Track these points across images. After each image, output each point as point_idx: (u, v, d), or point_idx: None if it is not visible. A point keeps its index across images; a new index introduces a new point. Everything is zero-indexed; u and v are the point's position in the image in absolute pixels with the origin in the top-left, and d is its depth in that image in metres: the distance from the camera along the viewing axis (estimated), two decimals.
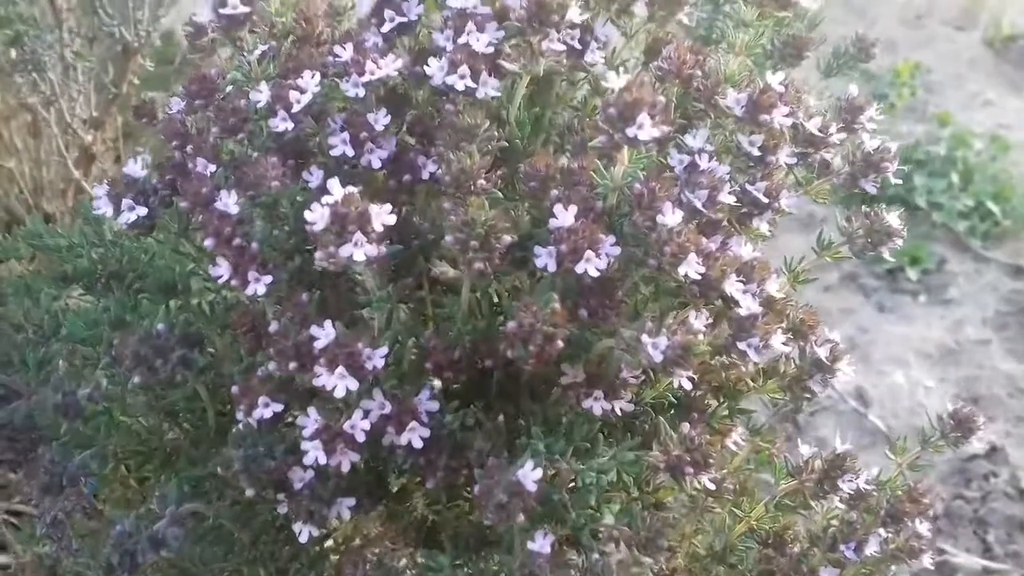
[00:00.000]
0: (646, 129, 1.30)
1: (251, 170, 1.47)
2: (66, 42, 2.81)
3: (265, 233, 1.52)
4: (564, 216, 1.36)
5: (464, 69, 1.51)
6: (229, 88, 1.62)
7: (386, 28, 1.65)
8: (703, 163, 1.49)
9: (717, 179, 1.47)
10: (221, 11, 1.52)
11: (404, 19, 1.65)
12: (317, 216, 1.29)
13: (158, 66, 2.82)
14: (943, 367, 3.97)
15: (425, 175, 1.58)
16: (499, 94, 1.54)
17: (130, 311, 1.62)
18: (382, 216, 1.30)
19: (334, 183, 1.34)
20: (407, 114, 1.66)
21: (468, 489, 1.55)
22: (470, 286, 1.46)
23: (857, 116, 1.71)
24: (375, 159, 1.56)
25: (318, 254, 1.33)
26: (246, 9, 1.52)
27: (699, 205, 1.44)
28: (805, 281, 1.76)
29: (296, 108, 1.49)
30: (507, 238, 1.33)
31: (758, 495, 1.86)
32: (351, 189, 1.33)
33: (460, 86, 1.51)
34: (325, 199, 1.31)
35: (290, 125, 1.50)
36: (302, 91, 1.50)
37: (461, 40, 1.59)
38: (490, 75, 1.54)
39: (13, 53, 2.70)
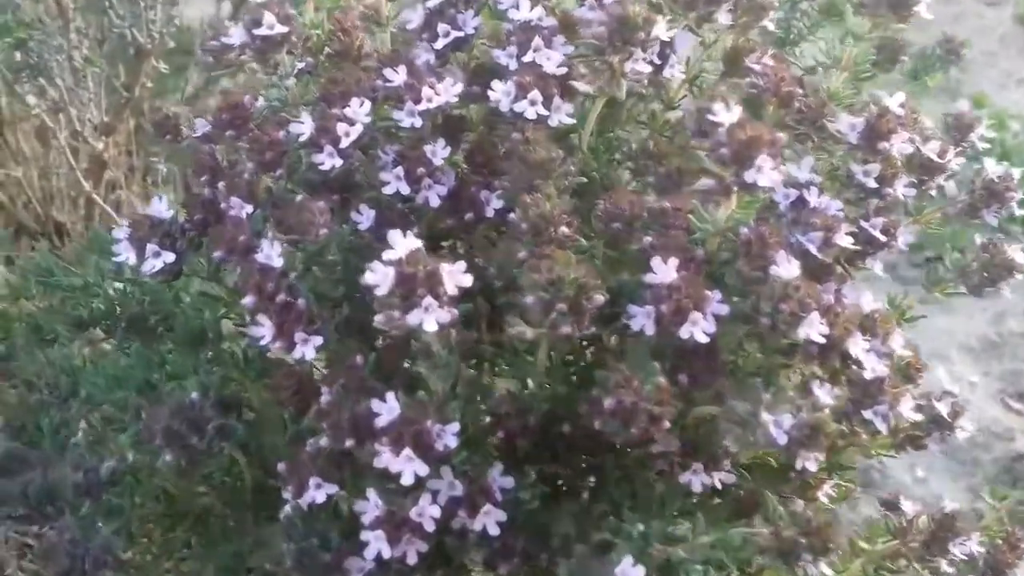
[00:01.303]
0: (766, 173, 1.10)
1: (295, 214, 1.28)
2: (74, 43, 2.61)
3: (310, 284, 1.33)
4: (664, 271, 1.17)
5: (535, 94, 1.31)
6: (263, 113, 1.43)
7: (440, 44, 1.45)
8: (813, 198, 1.30)
9: (832, 218, 1.27)
10: (256, 32, 1.32)
11: (460, 34, 1.45)
12: (380, 278, 1.10)
13: (173, 70, 2.62)
14: (986, 361, 3.78)
15: (489, 212, 1.39)
16: (573, 120, 1.35)
17: (156, 368, 1.43)
18: (456, 277, 1.11)
19: (396, 237, 1.14)
20: (463, 140, 1.46)
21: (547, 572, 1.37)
22: (548, 346, 1.27)
23: (967, 135, 1.51)
24: (433, 196, 1.36)
25: (379, 319, 1.13)
26: (284, 29, 1.32)
27: (813, 249, 1.25)
28: (912, 320, 1.56)
29: (345, 143, 1.29)
30: (599, 298, 1.14)
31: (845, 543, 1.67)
32: (415, 243, 1.13)
33: (531, 114, 1.31)
34: (387, 256, 1.12)
35: (338, 162, 1.30)
36: (351, 122, 1.30)
37: (527, 58, 1.39)
38: (562, 99, 1.34)
39: (18, 55, 2.50)
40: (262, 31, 1.31)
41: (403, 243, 1.13)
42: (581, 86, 1.35)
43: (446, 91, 1.33)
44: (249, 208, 1.35)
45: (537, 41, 1.40)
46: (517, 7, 1.44)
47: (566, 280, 1.12)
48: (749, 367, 1.32)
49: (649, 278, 1.17)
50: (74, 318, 1.62)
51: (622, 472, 1.34)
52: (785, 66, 1.45)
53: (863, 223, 1.36)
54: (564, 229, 1.20)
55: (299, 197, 1.33)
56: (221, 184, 1.38)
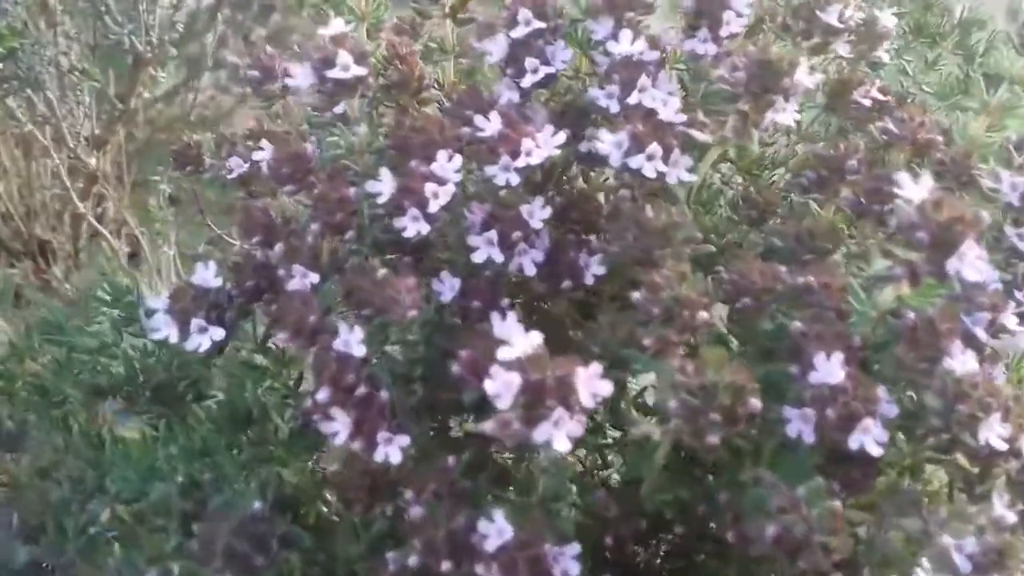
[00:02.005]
0: (970, 263, 0.92)
1: (377, 291, 1.08)
2: (63, 49, 2.37)
3: (386, 367, 1.14)
4: (828, 368, 0.99)
5: (654, 148, 1.12)
6: (325, 161, 1.23)
7: (528, 82, 1.25)
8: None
9: (997, 295, 1.10)
10: (328, 74, 1.11)
11: (550, 69, 1.26)
12: (501, 387, 0.91)
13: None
14: None
15: (589, 279, 1.20)
16: (694, 178, 1.16)
17: (197, 456, 1.23)
18: (593, 384, 0.92)
19: (514, 331, 0.95)
20: (550, 193, 1.27)
21: None
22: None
23: None
24: (528, 263, 1.17)
25: (491, 427, 0.94)
26: (361, 71, 1.11)
27: (981, 334, 1.08)
28: None
29: (433, 206, 1.09)
30: (756, 403, 0.96)
31: None
32: (536, 338, 0.94)
33: (649, 171, 1.12)
34: (505, 355, 0.93)
35: (424, 228, 1.10)
36: (440, 181, 1.10)
37: (632, 100, 1.20)
38: (682, 151, 1.16)
39: (1, 65, 2.26)
40: (335, 73, 1.11)
41: (523, 339, 0.94)
42: (701, 136, 1.17)
43: (546, 143, 1.14)
44: (314, 278, 1.15)
45: (644, 80, 1.21)
46: (616, 39, 1.25)
47: (720, 386, 0.94)
48: (892, 461, 1.14)
49: (813, 377, 0.99)
50: (90, 385, 1.41)
51: None
52: (921, 110, 1.27)
53: (1016, 292, 1.18)
54: (703, 315, 1.02)
55: (377, 267, 1.12)
56: (279, 246, 1.17)
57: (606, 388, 0.92)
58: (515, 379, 0.91)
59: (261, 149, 1.33)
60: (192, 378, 1.40)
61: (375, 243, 1.22)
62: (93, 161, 2.44)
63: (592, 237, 1.25)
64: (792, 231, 1.20)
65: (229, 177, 1.45)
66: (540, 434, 0.91)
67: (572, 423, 0.92)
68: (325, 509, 1.32)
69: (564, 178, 1.38)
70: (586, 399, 0.91)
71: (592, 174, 1.39)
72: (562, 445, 0.90)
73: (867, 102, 1.44)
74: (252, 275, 1.21)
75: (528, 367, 0.92)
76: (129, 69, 2.37)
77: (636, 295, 1.05)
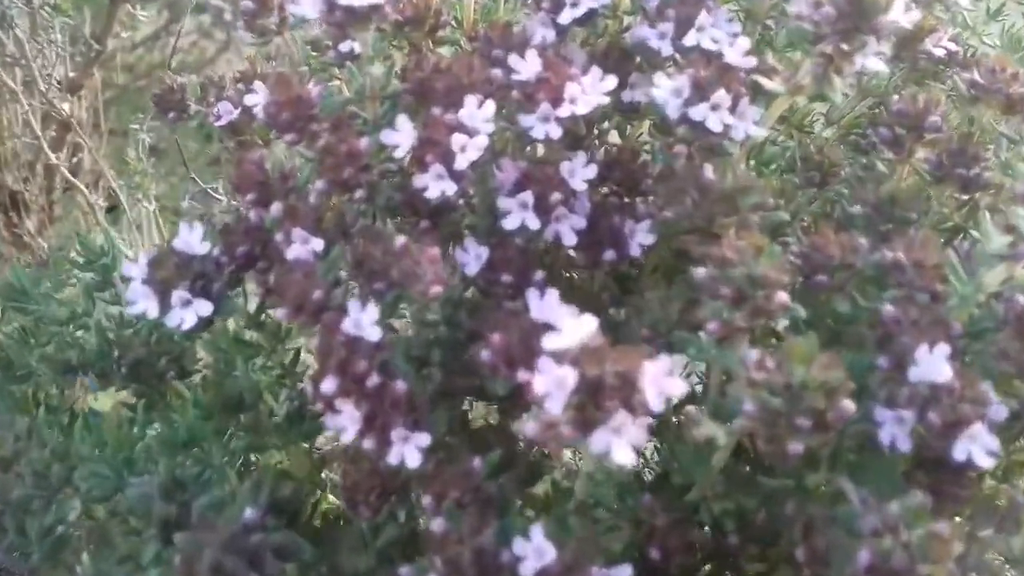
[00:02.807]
0: None
1: (394, 261, 0.92)
2: None
3: (402, 349, 0.98)
4: (931, 363, 0.83)
5: (720, 96, 0.95)
6: (332, 107, 1.05)
7: (567, 17, 1.08)
8: None
9: None
10: (340, 2, 0.93)
11: (592, 3, 1.08)
12: (550, 384, 0.75)
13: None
14: None
15: (634, 249, 1.04)
16: (763, 132, 0.99)
17: (180, 448, 1.07)
18: (661, 382, 0.76)
19: (560, 314, 0.79)
20: (591, 150, 1.10)
21: None
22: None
23: None
24: (567, 230, 1.01)
25: (533, 429, 0.78)
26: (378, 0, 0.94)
27: None
28: None
29: (461, 162, 0.92)
30: (849, 405, 0.80)
31: None
32: (590, 324, 0.78)
33: (715, 124, 0.95)
34: (554, 345, 0.76)
35: (450, 187, 0.93)
36: (469, 132, 0.93)
37: (689, 40, 1.03)
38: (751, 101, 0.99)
39: None
40: (348, 0, 0.93)
41: (574, 324, 0.78)
42: (771, 84, 1.00)
43: (594, 88, 0.97)
44: (318, 244, 0.98)
45: (703, 17, 1.04)
46: None
47: (810, 385, 0.78)
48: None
49: (913, 373, 0.83)
50: (59, 360, 1.24)
51: None
52: (1010, 60, 1.10)
53: None
54: (782, 297, 0.85)
55: (392, 233, 0.95)
56: (276, 206, 1.00)
57: (678, 387, 0.76)
58: (568, 376, 0.74)
59: (254, 92, 1.16)
60: (174, 353, 1.24)
61: (388, 204, 1.05)
62: (67, 107, 2.25)
63: (637, 200, 1.08)
64: (871, 197, 1.04)
65: (217, 124, 1.28)
66: (597, 442, 0.75)
67: (635, 429, 0.76)
68: (328, 506, 1.17)
69: (597, 131, 1.22)
70: (653, 400, 0.75)
71: (629, 127, 1.23)
72: (624, 456, 0.75)
73: (940, 52, 1.27)
74: (244, 239, 1.04)
75: (583, 360, 0.76)
76: (107, 6, 2.16)
77: (700, 271, 0.88)
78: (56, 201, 2.61)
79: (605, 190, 1.08)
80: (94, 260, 1.35)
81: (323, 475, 1.34)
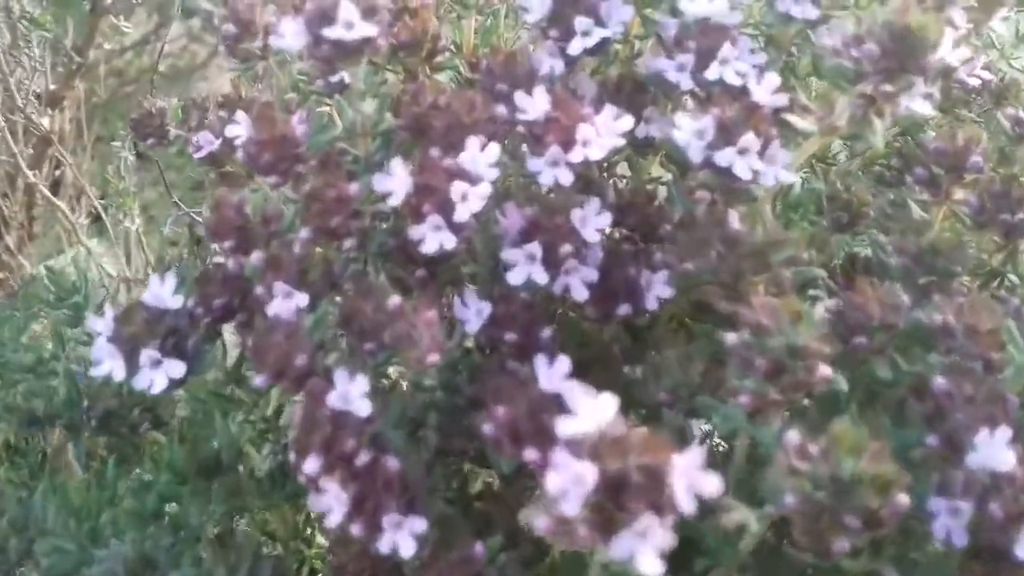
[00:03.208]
0: None
1: (386, 321, 0.82)
2: None
3: (394, 415, 0.88)
4: (992, 449, 0.74)
5: (749, 139, 0.86)
6: (319, 145, 0.96)
7: (577, 47, 0.98)
8: None
9: None
10: (326, 33, 0.83)
11: (605, 32, 0.99)
12: (568, 483, 0.65)
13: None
14: None
15: (651, 303, 0.95)
16: (795, 178, 0.90)
17: (152, 519, 0.97)
18: (693, 476, 0.66)
19: (575, 391, 0.69)
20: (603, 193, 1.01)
21: None
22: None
23: None
24: (578, 284, 0.91)
25: (545, 526, 0.69)
26: (369, 31, 0.84)
27: None
28: None
29: (461, 212, 0.83)
30: (903, 500, 0.71)
31: None
32: (609, 405, 0.68)
33: (743, 170, 0.86)
34: (569, 431, 0.67)
35: (448, 240, 0.84)
36: (471, 179, 0.84)
37: (711, 74, 0.94)
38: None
39: None
40: (335, 32, 0.83)
41: (591, 408, 0.68)
42: (803, 124, 0.91)
43: (607, 130, 0.88)
44: (302, 299, 0.88)
45: (727, 49, 0.94)
46: None
47: (861, 479, 0.69)
48: None
49: (971, 460, 0.74)
50: (24, 412, 1.15)
51: None
52: None
53: None
54: (825, 371, 0.76)
55: (385, 287, 0.86)
56: (256, 255, 0.91)
57: (711, 484, 0.66)
58: (588, 473, 0.65)
59: (236, 122, 1.07)
60: (148, 403, 1.15)
61: (381, 250, 0.95)
62: (46, 122, 2.14)
63: (653, 246, 0.99)
64: (910, 247, 0.95)
65: (196, 156, 1.19)
66: (619, 548, 0.66)
67: (663, 532, 0.66)
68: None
69: (607, 163, 1.13)
70: (684, 499, 0.66)
71: (641, 162, 1.14)
72: (651, 567, 0.65)
73: (975, 80, 1.19)
74: (222, 290, 0.95)
75: (604, 452, 0.66)
76: (87, 17, 2.07)
77: (730, 338, 0.79)
78: (37, 218, 2.51)
79: (618, 234, 0.99)
80: (65, 297, 1.26)
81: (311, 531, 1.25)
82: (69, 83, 2.24)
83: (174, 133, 1.39)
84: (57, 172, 2.53)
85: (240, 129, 1.02)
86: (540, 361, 0.80)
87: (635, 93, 1.02)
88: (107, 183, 2.22)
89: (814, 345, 0.76)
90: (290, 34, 0.86)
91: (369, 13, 0.83)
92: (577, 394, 0.70)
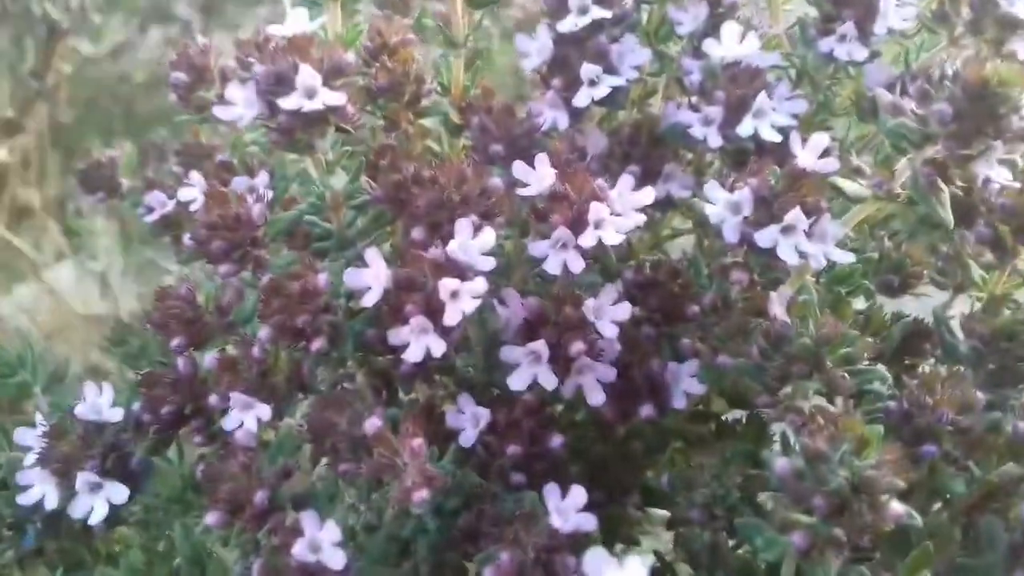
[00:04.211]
0: None
1: (362, 447, 0.68)
2: None
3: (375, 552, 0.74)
4: None
5: (796, 216, 0.71)
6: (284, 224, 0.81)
7: (583, 98, 0.84)
8: None
9: None
10: (283, 104, 0.69)
11: (617, 81, 0.84)
12: None
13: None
14: None
15: (679, 400, 0.80)
16: (851, 258, 0.76)
17: None
18: None
19: (609, 565, 0.55)
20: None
21: None
22: None
23: None
24: (592, 387, 0.77)
25: None
26: (335, 100, 0.69)
27: None
28: None
29: (451, 315, 0.68)
30: None
31: None
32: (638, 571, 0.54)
33: (788, 253, 0.72)
34: None
35: (438, 347, 0.69)
36: (461, 272, 0.69)
37: (744, 129, 0.80)
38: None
39: None
40: (293, 102, 0.68)
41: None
42: (855, 189, 0.76)
43: (626, 206, 0.73)
44: (264, 411, 0.74)
45: (762, 101, 0.80)
46: (718, 38, 0.84)
47: None
48: None
49: None
50: None
51: None
52: None
53: None
54: (896, 508, 0.62)
55: (365, 396, 0.72)
56: (210, 358, 0.76)
57: None
58: None
59: (190, 184, 0.93)
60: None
61: (359, 342, 0.81)
62: (2, 153, 1.99)
63: (678, 327, 0.84)
64: (980, 327, 0.80)
65: (147, 219, 1.04)
66: None
67: None
68: None
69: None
70: None
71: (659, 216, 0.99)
72: None
73: None
74: (171, 393, 0.80)
75: None
76: (41, 41, 1.91)
77: (781, 465, 0.65)
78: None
79: (635, 312, 0.84)
80: (8, 374, 1.11)
81: None
82: (28, 109, 2.08)
83: (127, 185, 1.24)
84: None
85: (194, 192, 0.88)
86: (551, 493, 0.66)
87: (652, 147, 0.87)
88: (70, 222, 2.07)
89: (884, 480, 0.62)
90: (239, 102, 0.71)
91: (334, 74, 0.69)
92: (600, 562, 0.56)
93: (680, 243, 1.09)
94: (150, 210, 1.03)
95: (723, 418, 0.89)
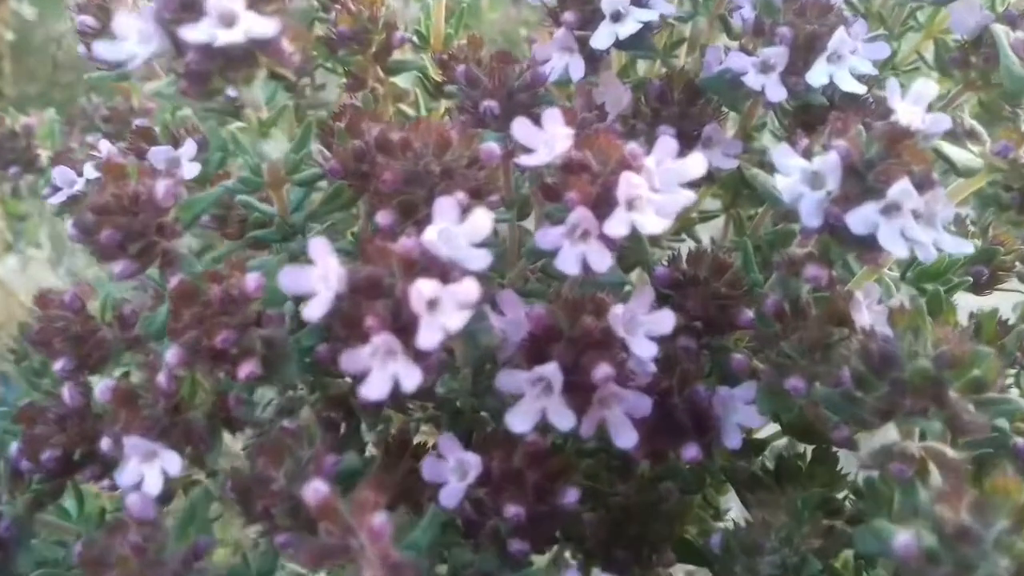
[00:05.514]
0: None
1: (306, 518, 0.48)
2: None
3: None
4: None
5: (902, 189, 0.51)
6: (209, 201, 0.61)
7: (602, 39, 0.64)
8: None
9: None
10: (192, 38, 0.48)
11: (648, 15, 0.64)
12: None
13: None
14: None
15: (734, 439, 0.61)
16: (969, 250, 0.56)
17: None
18: None
19: None
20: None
21: None
22: None
23: None
24: (621, 424, 0.57)
25: None
26: (263, 29, 0.49)
27: None
28: None
29: (429, 336, 0.48)
30: None
31: None
32: None
33: (891, 240, 0.52)
34: None
35: (412, 378, 0.49)
36: (442, 273, 0.49)
37: (815, 76, 0.60)
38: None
39: None
40: (200, 34, 0.48)
41: None
42: (966, 158, 0.57)
43: (666, 181, 0.53)
44: (172, 462, 0.54)
45: (840, 37, 0.60)
46: None
47: None
48: None
49: None
50: None
51: None
52: None
53: None
54: None
55: (311, 433, 0.52)
56: (103, 386, 0.56)
57: None
58: None
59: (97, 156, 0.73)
60: None
61: (307, 362, 0.60)
62: None
63: (727, 339, 0.65)
64: None
65: (50, 202, 0.83)
66: None
67: None
68: None
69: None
70: None
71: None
72: None
73: None
74: (57, 432, 0.60)
75: None
76: None
77: (902, 542, 0.45)
78: None
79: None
80: None
81: None
82: None
83: (46, 157, 1.04)
84: None
85: (92, 174, 0.68)
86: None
87: (689, 104, 0.67)
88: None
89: None
90: (131, 36, 0.50)
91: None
92: None
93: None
94: (56, 189, 0.82)
95: (782, 454, 0.70)
